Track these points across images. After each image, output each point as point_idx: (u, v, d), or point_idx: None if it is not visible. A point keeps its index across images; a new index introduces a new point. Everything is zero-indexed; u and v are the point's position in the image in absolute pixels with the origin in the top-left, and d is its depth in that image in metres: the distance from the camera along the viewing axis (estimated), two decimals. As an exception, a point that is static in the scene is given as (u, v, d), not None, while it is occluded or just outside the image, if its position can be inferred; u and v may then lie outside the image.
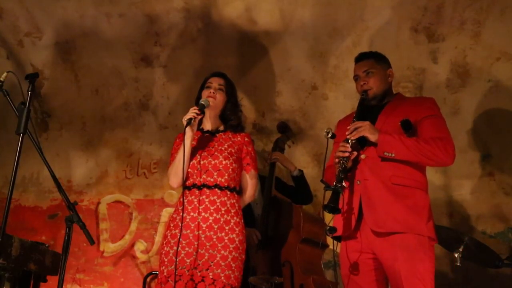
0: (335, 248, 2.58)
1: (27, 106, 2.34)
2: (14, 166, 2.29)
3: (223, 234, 2.58)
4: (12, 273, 2.64)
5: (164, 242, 2.66)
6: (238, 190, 2.75)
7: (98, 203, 4.83)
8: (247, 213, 3.75)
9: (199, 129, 2.85)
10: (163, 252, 2.63)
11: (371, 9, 3.96)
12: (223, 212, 2.62)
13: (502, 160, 4.05)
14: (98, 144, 4.90)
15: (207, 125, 2.87)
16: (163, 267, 2.59)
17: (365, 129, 2.48)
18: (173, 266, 2.50)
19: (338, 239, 2.62)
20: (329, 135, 2.56)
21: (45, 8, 4.36)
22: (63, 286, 2.31)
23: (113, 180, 4.85)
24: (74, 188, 4.88)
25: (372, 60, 2.72)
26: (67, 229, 2.32)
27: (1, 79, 2.45)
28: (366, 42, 4.08)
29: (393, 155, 2.44)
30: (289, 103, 4.50)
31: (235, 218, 2.65)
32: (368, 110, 2.69)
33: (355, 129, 2.50)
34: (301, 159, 4.40)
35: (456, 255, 3.27)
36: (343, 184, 2.45)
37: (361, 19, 4.03)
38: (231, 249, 2.57)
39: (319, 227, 3.64)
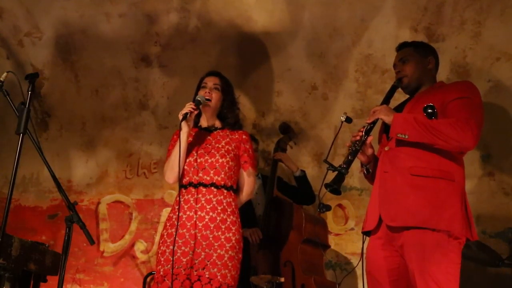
0: (363, 243, 2.53)
1: (27, 106, 2.34)
2: (14, 166, 2.29)
3: (219, 233, 2.58)
4: (12, 273, 2.64)
5: (161, 242, 2.65)
6: (235, 188, 2.74)
7: (98, 203, 4.83)
8: (248, 213, 3.76)
9: (197, 126, 2.85)
10: (160, 252, 2.62)
11: (371, 9, 3.96)
12: (219, 211, 2.61)
13: (502, 160, 4.04)
14: (98, 144, 4.90)
15: (205, 124, 2.87)
16: (160, 266, 2.58)
17: (380, 112, 2.42)
18: (169, 265, 2.50)
19: (368, 234, 2.53)
20: (344, 118, 2.51)
21: (45, 8, 4.36)
22: (63, 286, 2.31)
23: (113, 180, 4.85)
24: (74, 188, 4.88)
25: (410, 48, 2.67)
26: (67, 229, 2.32)
27: (1, 79, 2.45)
28: (366, 42, 4.08)
29: (406, 136, 2.30)
30: (289, 103, 4.50)
31: (231, 217, 2.64)
32: (403, 102, 2.64)
33: (373, 113, 2.45)
34: (301, 159, 4.40)
35: (456, 255, 3.26)
36: (364, 172, 2.39)
37: (361, 19, 4.02)
38: (227, 248, 2.56)
39: (320, 227, 3.64)
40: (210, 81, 2.84)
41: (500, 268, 3.53)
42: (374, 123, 2.49)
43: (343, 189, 4.21)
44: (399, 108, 2.58)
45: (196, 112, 2.71)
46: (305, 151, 4.48)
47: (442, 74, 4.08)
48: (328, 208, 2.41)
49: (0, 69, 4.36)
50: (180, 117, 2.63)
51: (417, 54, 2.64)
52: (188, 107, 2.66)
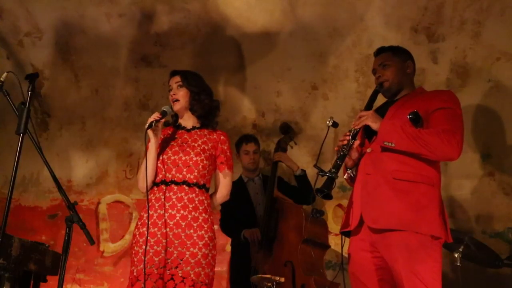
0: (343, 244, 2.54)
1: (27, 106, 2.33)
2: (14, 166, 2.28)
3: (191, 231, 2.55)
4: (12, 273, 2.63)
5: (134, 242, 2.63)
6: (207, 187, 2.72)
7: (98, 203, 4.83)
8: (249, 214, 3.76)
9: (175, 125, 2.84)
10: (133, 252, 2.60)
11: (371, 9, 3.96)
12: (190, 209, 2.58)
13: (502, 160, 4.05)
14: (98, 144, 4.90)
15: (183, 123, 2.84)
16: (133, 267, 2.56)
17: (368, 118, 2.44)
18: (142, 266, 2.47)
19: (347, 234, 2.56)
20: (330, 123, 2.53)
21: (45, 8, 4.36)
22: (63, 286, 2.31)
23: (113, 180, 4.85)
24: (74, 188, 4.88)
25: (389, 53, 2.69)
26: (67, 229, 2.31)
27: (1, 79, 2.44)
28: (366, 42, 4.08)
29: (393, 145, 2.35)
30: (289, 103, 4.50)
31: (203, 215, 2.61)
32: (385, 105, 2.66)
33: (359, 118, 2.47)
34: (301, 159, 4.40)
35: (456, 255, 3.27)
36: (350, 174, 2.40)
37: (361, 19, 4.03)
38: (200, 246, 2.54)
39: (321, 227, 3.64)
40: (173, 82, 2.84)
41: (500, 268, 3.53)
42: (361, 128, 2.51)
43: (343, 189, 4.23)
44: (380, 111, 2.59)
45: (163, 121, 2.69)
46: (305, 151, 4.48)
47: (442, 74, 4.09)
48: (321, 213, 2.42)
49: (0, 69, 4.36)
50: (146, 127, 2.61)
51: (396, 59, 2.67)
52: (153, 116, 2.64)
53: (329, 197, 2.40)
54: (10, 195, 2.24)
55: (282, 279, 2.98)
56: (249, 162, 3.90)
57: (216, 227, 4.36)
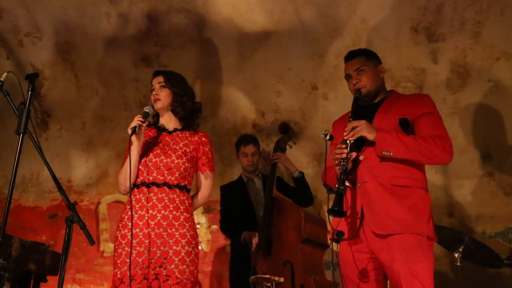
0: (332, 247, 2.56)
1: (27, 106, 2.33)
2: (14, 166, 2.28)
3: (173, 230, 2.57)
4: (12, 273, 2.64)
5: (116, 244, 2.63)
6: (189, 188, 2.73)
7: (98, 203, 4.83)
8: (249, 213, 3.76)
9: (157, 127, 2.84)
10: (116, 254, 2.60)
11: (371, 9, 3.96)
12: (171, 208, 2.60)
13: (502, 160, 4.05)
14: (98, 144, 4.90)
15: (164, 124, 2.84)
16: (116, 269, 2.56)
17: (362, 129, 2.45)
18: (125, 267, 2.48)
19: (336, 240, 2.56)
20: (327, 137, 2.51)
21: (45, 8, 4.35)
22: (63, 286, 2.31)
23: (113, 180, 4.85)
24: (74, 188, 4.88)
25: (362, 57, 2.68)
26: (67, 229, 2.31)
27: (1, 79, 2.44)
28: (366, 42, 4.08)
29: (391, 153, 2.40)
30: (289, 103, 4.50)
31: (184, 214, 2.63)
32: (362, 108, 2.65)
33: (352, 129, 2.47)
34: (301, 159, 4.41)
35: (456, 255, 3.27)
36: (346, 185, 2.42)
37: (361, 19, 4.03)
38: (183, 243, 2.56)
39: (320, 227, 3.64)
40: (155, 82, 2.83)
41: (500, 268, 3.54)
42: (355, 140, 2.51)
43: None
44: (360, 116, 2.57)
45: (145, 124, 2.68)
46: (305, 151, 4.48)
47: (442, 74, 4.09)
48: (342, 234, 2.42)
49: (0, 69, 4.36)
50: (129, 131, 2.60)
51: (370, 64, 2.66)
52: (136, 120, 2.63)
53: (343, 214, 2.40)
54: (10, 195, 2.24)
55: (282, 279, 2.98)
56: (248, 164, 3.90)
57: (215, 227, 4.44)
